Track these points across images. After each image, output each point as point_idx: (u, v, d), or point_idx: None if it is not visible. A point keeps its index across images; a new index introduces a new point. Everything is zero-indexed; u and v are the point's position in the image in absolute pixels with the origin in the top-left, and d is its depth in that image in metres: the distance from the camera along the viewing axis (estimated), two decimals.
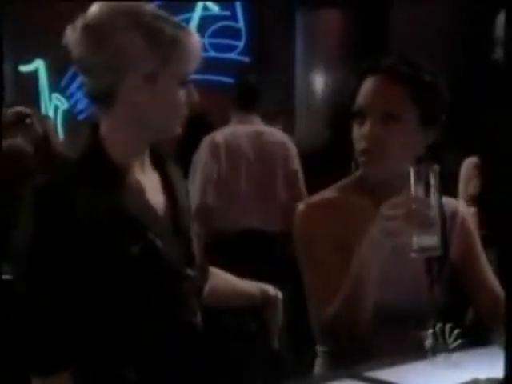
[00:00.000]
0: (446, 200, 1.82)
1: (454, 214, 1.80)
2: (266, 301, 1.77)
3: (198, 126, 4.16)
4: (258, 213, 3.69)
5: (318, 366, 1.82)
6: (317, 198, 1.77)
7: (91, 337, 1.42)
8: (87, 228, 1.40)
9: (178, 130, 1.54)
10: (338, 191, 1.77)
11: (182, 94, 1.51)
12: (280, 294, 1.79)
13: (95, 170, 1.46)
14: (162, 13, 1.50)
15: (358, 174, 1.77)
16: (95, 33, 1.45)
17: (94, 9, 1.47)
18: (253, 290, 1.78)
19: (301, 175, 3.80)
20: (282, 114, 5.77)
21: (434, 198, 1.41)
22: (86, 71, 1.49)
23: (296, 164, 3.78)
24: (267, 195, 3.73)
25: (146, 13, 1.47)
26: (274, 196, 3.73)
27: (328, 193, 1.77)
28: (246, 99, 3.86)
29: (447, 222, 1.77)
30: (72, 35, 1.47)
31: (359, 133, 1.68)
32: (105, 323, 1.43)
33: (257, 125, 3.87)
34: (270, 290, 1.78)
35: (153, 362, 1.46)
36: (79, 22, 1.47)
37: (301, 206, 1.74)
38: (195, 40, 1.51)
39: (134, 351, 1.45)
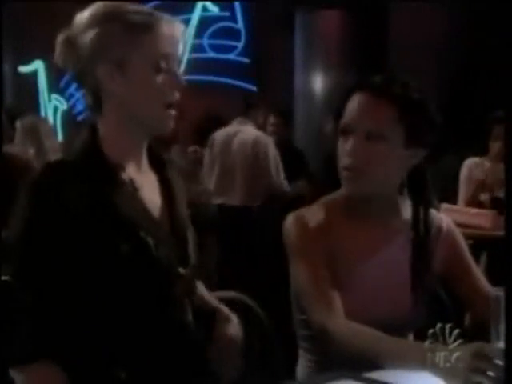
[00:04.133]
0: (431, 213, 1.82)
1: (440, 227, 1.81)
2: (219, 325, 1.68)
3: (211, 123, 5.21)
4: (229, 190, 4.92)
5: (301, 371, 1.82)
6: (305, 210, 1.77)
7: (79, 334, 1.42)
8: (78, 224, 1.41)
9: (169, 122, 1.53)
10: (325, 206, 1.77)
11: (160, 79, 1.49)
12: (234, 327, 1.67)
13: (89, 167, 1.48)
14: (138, 6, 1.52)
15: (343, 190, 1.78)
16: (72, 40, 1.49)
17: (75, 19, 1.51)
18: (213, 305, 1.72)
19: (268, 158, 4.96)
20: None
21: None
22: (77, 80, 1.53)
23: (262, 150, 4.94)
24: (242, 175, 4.92)
25: (118, 8, 1.50)
26: (236, 176, 4.93)
27: (315, 207, 1.77)
28: (244, 110, 5.18)
29: (433, 234, 1.79)
30: (57, 49, 1.52)
31: (343, 149, 1.68)
32: (93, 320, 1.43)
33: (243, 126, 5.04)
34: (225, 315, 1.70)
35: (142, 361, 1.45)
36: (60, 36, 1.51)
37: (291, 217, 1.74)
38: (168, 26, 1.50)
39: (122, 350, 1.45)
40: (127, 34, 1.46)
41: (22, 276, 1.40)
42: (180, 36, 1.52)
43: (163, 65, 1.49)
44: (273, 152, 5.00)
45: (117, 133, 1.51)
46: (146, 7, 1.55)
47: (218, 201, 4.90)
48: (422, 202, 1.78)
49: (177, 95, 1.52)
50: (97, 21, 1.48)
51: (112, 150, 1.50)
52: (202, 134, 5.24)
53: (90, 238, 1.42)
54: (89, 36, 1.47)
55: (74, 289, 1.41)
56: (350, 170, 1.67)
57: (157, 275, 1.48)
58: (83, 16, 1.50)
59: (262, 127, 5.28)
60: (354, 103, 1.68)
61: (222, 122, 5.29)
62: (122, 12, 1.49)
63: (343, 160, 1.67)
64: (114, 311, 1.44)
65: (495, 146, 4.19)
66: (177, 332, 1.51)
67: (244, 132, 4.98)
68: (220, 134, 5.02)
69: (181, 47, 1.53)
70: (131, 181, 1.50)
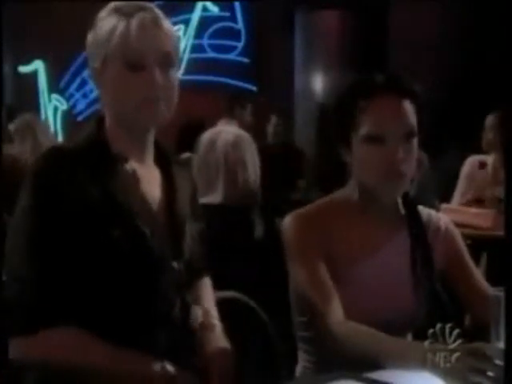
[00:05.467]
0: (429, 212, 1.83)
1: (438, 226, 1.81)
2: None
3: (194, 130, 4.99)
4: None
5: (301, 372, 1.82)
6: (304, 210, 1.77)
7: (68, 311, 1.43)
8: (76, 209, 1.43)
9: (146, 119, 1.51)
10: (325, 206, 1.77)
11: (134, 77, 1.48)
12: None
13: (91, 154, 1.50)
14: (134, 3, 1.53)
15: (346, 190, 1.77)
16: (91, 32, 1.54)
17: None
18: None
19: (240, 161, 4.64)
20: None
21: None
22: None
23: (232, 152, 4.60)
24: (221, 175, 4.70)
25: (116, 5, 1.53)
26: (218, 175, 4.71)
27: (314, 207, 1.77)
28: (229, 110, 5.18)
29: (431, 233, 1.79)
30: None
31: (378, 156, 1.65)
32: (82, 301, 1.45)
33: (226, 126, 4.83)
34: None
35: (125, 347, 1.45)
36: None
37: (289, 217, 1.74)
38: (143, 20, 1.48)
39: (105, 334, 1.44)
40: (106, 30, 1.49)
41: (21, 257, 1.42)
42: (161, 32, 1.50)
43: (138, 61, 1.47)
44: (252, 152, 5.02)
45: (115, 125, 1.54)
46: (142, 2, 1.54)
47: (203, 200, 4.91)
48: (406, 197, 1.78)
49: (157, 92, 1.48)
50: (100, 16, 1.52)
51: (115, 142, 1.53)
52: (185, 140, 5.22)
53: (87, 222, 1.44)
54: (93, 30, 1.52)
55: (70, 269, 1.43)
56: (398, 177, 1.65)
57: (149, 265, 1.49)
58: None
59: (249, 127, 5.25)
60: (382, 108, 1.65)
61: (205, 126, 5.34)
62: (119, 8, 1.51)
63: (381, 167, 1.65)
64: (104, 296, 1.46)
65: (488, 136, 4.19)
66: (162, 323, 1.52)
67: (226, 131, 5.04)
68: (205, 136, 5.09)
69: (165, 43, 1.50)
70: (133, 172, 1.52)
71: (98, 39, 1.50)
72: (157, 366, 1.45)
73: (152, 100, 1.49)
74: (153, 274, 1.50)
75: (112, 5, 1.53)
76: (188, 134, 5.11)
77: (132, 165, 1.53)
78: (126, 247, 1.46)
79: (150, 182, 1.56)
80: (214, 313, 1.70)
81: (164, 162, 1.62)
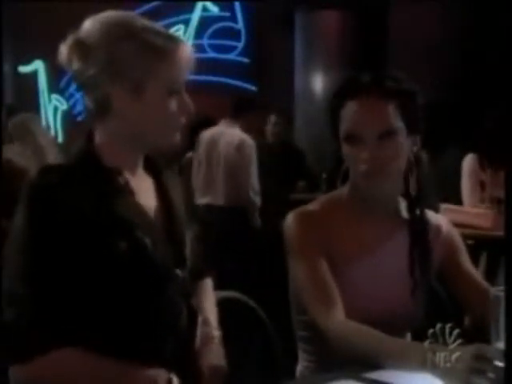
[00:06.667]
0: (430, 214, 1.83)
1: (439, 227, 1.82)
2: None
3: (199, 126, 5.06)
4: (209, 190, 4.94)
5: (301, 372, 1.82)
6: (305, 208, 1.77)
7: (71, 329, 1.42)
8: (75, 224, 1.41)
9: (176, 141, 1.54)
10: (325, 204, 1.77)
11: (173, 104, 1.50)
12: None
13: (85, 170, 1.49)
14: (153, 24, 1.51)
15: (344, 188, 1.78)
16: (84, 47, 1.46)
17: (86, 24, 1.49)
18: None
19: (243, 164, 4.93)
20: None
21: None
22: (80, 85, 1.52)
23: (236, 155, 4.92)
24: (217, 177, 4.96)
25: (136, 24, 1.48)
26: (219, 177, 4.97)
27: (315, 205, 1.78)
28: (235, 112, 5.08)
29: (431, 234, 1.79)
30: (64, 51, 1.48)
31: (356, 154, 1.66)
32: (85, 317, 1.44)
33: (229, 128, 4.99)
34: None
35: (133, 360, 1.45)
36: (70, 38, 1.48)
37: (291, 215, 1.75)
38: (186, 51, 1.51)
39: (114, 348, 1.44)
40: (146, 57, 1.46)
41: (22, 275, 1.40)
42: (192, 59, 1.54)
43: (176, 89, 1.50)
44: (254, 156, 4.97)
45: (115, 143, 1.52)
46: (162, 26, 1.53)
47: (203, 201, 4.86)
48: (417, 200, 1.78)
49: (184, 120, 1.53)
50: (113, 36, 1.45)
51: (108, 156, 1.51)
52: (193, 137, 5.14)
53: (87, 237, 1.42)
54: (103, 51, 1.44)
55: (72, 286, 1.41)
56: (371, 174, 1.66)
57: (153, 275, 1.49)
58: (95, 26, 1.47)
59: (257, 130, 5.22)
60: (358, 108, 1.67)
61: (213, 123, 5.22)
62: (139, 30, 1.47)
63: (359, 165, 1.66)
64: (110, 308, 1.45)
65: None
66: (169, 333, 1.52)
67: (230, 134, 4.94)
68: (206, 135, 5.01)
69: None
70: (127, 183, 1.51)
71: (129, 63, 1.45)
72: (162, 380, 1.43)
73: (183, 125, 1.54)
74: (158, 284, 1.50)
75: (134, 26, 1.48)
76: (191, 133, 5.07)
77: (125, 176, 1.52)
78: (129, 259, 1.45)
79: (144, 191, 1.56)
80: (214, 321, 1.69)
81: (154, 170, 1.62)
